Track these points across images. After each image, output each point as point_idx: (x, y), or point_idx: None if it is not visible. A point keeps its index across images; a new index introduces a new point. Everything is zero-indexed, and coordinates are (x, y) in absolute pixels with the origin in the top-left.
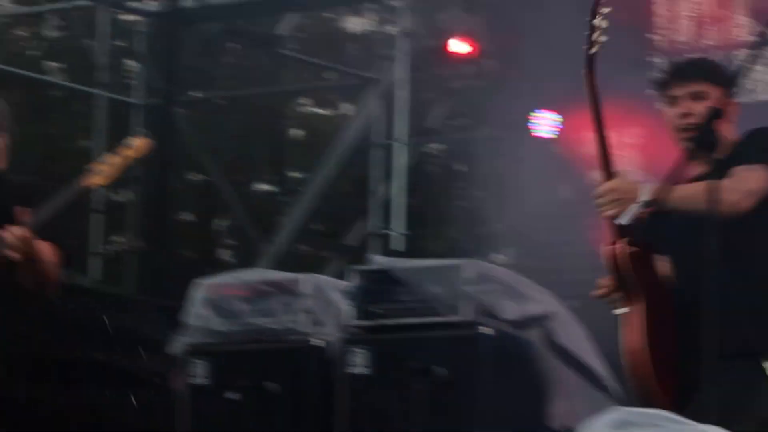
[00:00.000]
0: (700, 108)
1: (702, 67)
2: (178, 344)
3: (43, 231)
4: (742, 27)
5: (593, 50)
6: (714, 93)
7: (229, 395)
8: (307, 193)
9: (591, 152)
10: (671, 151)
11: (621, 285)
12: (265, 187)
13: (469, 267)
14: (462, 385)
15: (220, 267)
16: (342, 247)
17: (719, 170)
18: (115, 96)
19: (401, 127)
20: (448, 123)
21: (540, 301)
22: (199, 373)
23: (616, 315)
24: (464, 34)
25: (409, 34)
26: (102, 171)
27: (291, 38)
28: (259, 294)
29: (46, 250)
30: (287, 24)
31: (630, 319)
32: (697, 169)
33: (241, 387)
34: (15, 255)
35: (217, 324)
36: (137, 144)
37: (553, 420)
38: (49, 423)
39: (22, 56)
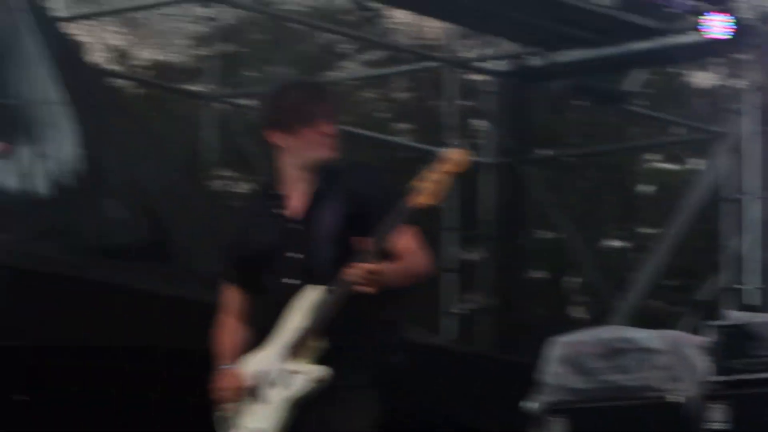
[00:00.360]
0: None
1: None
2: (535, 402)
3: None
4: None
5: None
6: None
7: None
8: (659, 249)
9: None
10: None
11: None
12: (615, 243)
13: None
14: None
15: (573, 324)
16: (695, 302)
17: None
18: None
19: (752, 180)
20: None
21: None
22: (557, 430)
23: None
24: None
25: (757, 87)
26: (426, 189)
27: (638, 94)
28: (614, 351)
29: (397, 271)
30: (634, 80)
31: None
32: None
33: None
34: (364, 290)
35: (574, 381)
36: (455, 156)
37: None
38: None
39: (370, 118)
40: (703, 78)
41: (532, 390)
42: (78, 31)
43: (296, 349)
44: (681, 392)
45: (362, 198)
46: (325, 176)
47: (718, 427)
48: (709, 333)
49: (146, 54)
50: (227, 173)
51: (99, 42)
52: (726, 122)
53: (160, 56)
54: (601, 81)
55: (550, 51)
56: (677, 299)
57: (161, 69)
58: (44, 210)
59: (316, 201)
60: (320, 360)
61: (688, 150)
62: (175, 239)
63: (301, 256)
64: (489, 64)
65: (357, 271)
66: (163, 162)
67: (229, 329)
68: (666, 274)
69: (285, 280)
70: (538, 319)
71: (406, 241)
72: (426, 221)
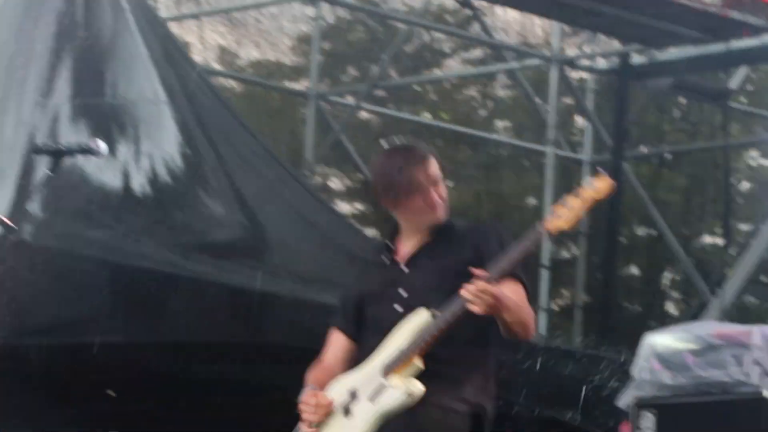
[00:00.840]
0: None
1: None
2: (628, 397)
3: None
4: None
5: None
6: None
7: None
8: (756, 245)
9: None
10: None
11: None
12: (712, 239)
13: None
14: None
15: (667, 320)
16: None
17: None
18: (564, 153)
19: None
20: None
21: None
22: (648, 426)
23: None
24: None
25: None
26: (563, 214)
27: (740, 91)
28: (708, 347)
29: (513, 296)
30: (736, 77)
31: None
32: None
33: None
34: (476, 309)
35: (667, 377)
36: (599, 185)
37: None
38: None
39: (471, 116)
40: None
41: (627, 385)
42: (181, 31)
43: (393, 368)
44: None
45: (475, 249)
46: (440, 230)
47: None
48: None
49: (249, 53)
50: (328, 170)
51: (202, 41)
52: None
53: (263, 55)
54: (702, 78)
55: (652, 48)
56: None
57: (263, 68)
58: (144, 208)
59: (427, 250)
60: (416, 378)
61: None
62: (271, 236)
63: (405, 294)
64: (592, 62)
65: (472, 287)
66: (265, 159)
67: (323, 367)
68: (762, 271)
69: (389, 308)
70: (632, 314)
71: (517, 294)
72: (527, 219)
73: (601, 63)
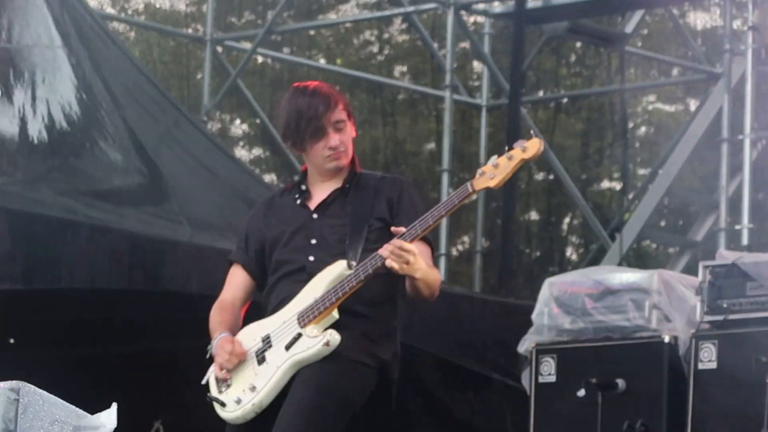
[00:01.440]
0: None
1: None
2: (528, 343)
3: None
4: None
5: None
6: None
7: (578, 393)
8: (653, 190)
9: None
10: None
11: None
12: (611, 184)
13: None
14: None
15: (567, 265)
16: (689, 242)
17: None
18: (461, 98)
19: (749, 121)
20: None
21: None
22: (549, 371)
23: None
24: None
25: (754, 27)
26: (491, 173)
27: (635, 35)
28: (607, 291)
29: (423, 254)
30: (631, 21)
31: None
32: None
33: (590, 384)
34: (395, 266)
35: (566, 322)
36: (529, 146)
37: None
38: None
39: (368, 61)
40: (701, 18)
41: (526, 331)
42: None
43: (309, 317)
44: (673, 332)
45: (388, 202)
46: (352, 179)
47: (708, 367)
48: (701, 273)
49: None
50: (225, 116)
51: None
52: (724, 63)
53: (156, 0)
54: (597, 22)
55: None
56: (672, 240)
57: (157, 13)
58: (41, 154)
59: (338, 199)
60: (330, 329)
61: (685, 91)
62: (169, 183)
63: (314, 242)
64: (487, 6)
65: (390, 246)
66: (162, 105)
67: (228, 308)
68: (660, 215)
69: (298, 256)
70: (532, 260)
71: (425, 256)
72: (423, 164)
73: (497, 7)
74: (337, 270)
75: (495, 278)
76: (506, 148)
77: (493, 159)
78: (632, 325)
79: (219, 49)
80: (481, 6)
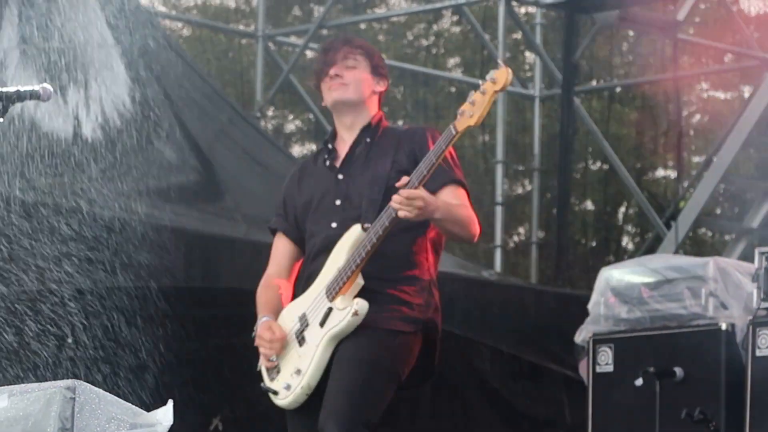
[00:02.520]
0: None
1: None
2: (585, 333)
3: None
4: None
5: None
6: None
7: (635, 382)
8: (708, 177)
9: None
10: None
11: None
12: (666, 173)
13: None
14: None
15: (623, 255)
16: (745, 229)
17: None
18: (513, 89)
19: None
20: None
21: None
22: (606, 360)
23: None
24: None
25: None
26: (471, 112)
27: (688, 22)
28: (664, 280)
29: (454, 199)
30: (684, 8)
31: None
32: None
33: (648, 373)
34: (405, 215)
35: (623, 311)
36: (497, 76)
37: None
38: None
39: (419, 53)
40: (754, 5)
41: (583, 321)
42: None
43: (336, 289)
44: (730, 319)
45: (410, 154)
46: (372, 132)
47: (766, 353)
48: (758, 260)
49: None
50: (277, 112)
51: None
52: None
53: None
54: (650, 10)
55: None
56: (728, 227)
57: (208, 10)
58: (96, 153)
59: (360, 154)
60: (359, 296)
61: (739, 78)
62: (224, 180)
63: (339, 203)
64: None
65: (397, 197)
66: (215, 102)
67: (272, 285)
68: (716, 203)
69: (326, 223)
70: (588, 250)
71: (458, 198)
72: (478, 156)
73: None
74: (354, 235)
75: (551, 269)
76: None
77: (470, 96)
78: (689, 313)
79: (270, 45)
80: None
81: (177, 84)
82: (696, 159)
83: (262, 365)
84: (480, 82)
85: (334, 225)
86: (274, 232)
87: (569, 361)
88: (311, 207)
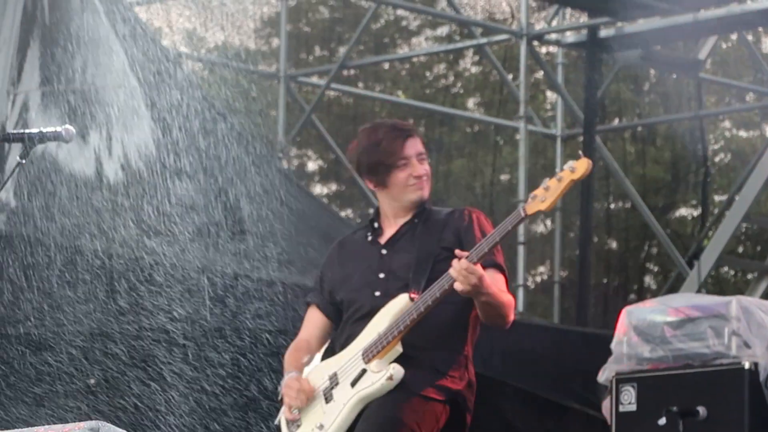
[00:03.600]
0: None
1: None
2: (608, 372)
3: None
4: None
5: None
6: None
7: (659, 421)
8: (731, 216)
9: None
10: None
11: None
12: (689, 211)
13: None
14: None
15: (645, 294)
16: (767, 268)
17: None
18: (536, 128)
19: None
20: None
21: None
22: (629, 400)
23: None
24: None
25: None
26: (542, 197)
27: (709, 61)
28: (686, 319)
29: (496, 281)
30: (705, 47)
31: None
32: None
33: (671, 413)
34: (460, 287)
35: (646, 350)
36: (577, 166)
37: None
38: None
39: (441, 93)
40: None
41: (606, 360)
42: (149, 15)
43: (373, 352)
44: (753, 358)
45: (456, 233)
46: (421, 214)
47: None
48: None
49: (214, 36)
50: (299, 152)
51: (169, 25)
52: None
53: (229, 38)
54: (672, 49)
55: (620, 20)
56: (751, 266)
57: (229, 51)
58: (117, 194)
59: (408, 233)
60: (395, 362)
61: (761, 116)
62: (247, 220)
63: (383, 276)
64: (560, 36)
65: (457, 266)
66: (237, 142)
67: (302, 348)
68: (739, 241)
69: (368, 293)
70: (610, 289)
71: (497, 282)
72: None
73: (570, 36)
74: (400, 303)
75: (573, 308)
76: (556, 170)
77: (545, 182)
78: (712, 352)
79: (292, 85)
80: (553, 36)
81: (198, 124)
82: (718, 197)
83: (282, 417)
84: (557, 170)
85: (377, 294)
86: (308, 305)
87: (592, 400)
88: (352, 279)
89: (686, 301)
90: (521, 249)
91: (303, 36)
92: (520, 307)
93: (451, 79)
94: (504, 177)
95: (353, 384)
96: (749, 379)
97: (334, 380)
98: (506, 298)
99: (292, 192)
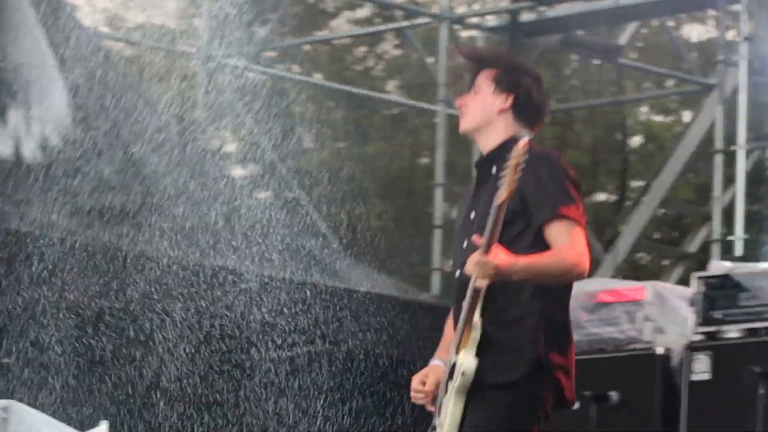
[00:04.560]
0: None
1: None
2: None
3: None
4: None
5: None
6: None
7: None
8: (648, 202)
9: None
10: None
11: None
12: (606, 196)
13: None
14: None
15: None
16: (683, 254)
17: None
18: (455, 112)
19: (743, 132)
20: None
21: None
22: None
23: None
24: None
25: (749, 38)
26: (510, 181)
27: (630, 47)
28: (601, 304)
29: (559, 239)
30: (626, 33)
31: None
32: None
33: (584, 397)
34: (481, 283)
35: None
36: (516, 151)
37: None
38: None
39: (362, 76)
40: (695, 30)
41: None
42: None
43: (459, 342)
44: (666, 343)
45: (520, 185)
46: (495, 156)
47: (699, 378)
48: (695, 284)
49: (135, 16)
50: (220, 133)
51: (90, 4)
52: (718, 74)
53: (149, 17)
54: (593, 35)
55: (542, 5)
56: (666, 251)
57: (150, 31)
58: (36, 174)
59: (487, 185)
60: (477, 351)
61: (680, 103)
62: (154, 197)
63: (465, 244)
64: (481, 20)
65: (469, 263)
66: (158, 123)
67: (449, 323)
68: (655, 227)
69: (458, 266)
70: None
71: (558, 238)
72: (418, 179)
73: (491, 21)
74: (470, 285)
75: None
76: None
77: (507, 168)
78: (625, 337)
79: (212, 66)
80: (474, 20)
81: (118, 104)
82: (635, 183)
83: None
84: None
85: (457, 274)
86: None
87: None
88: (456, 242)
89: (601, 285)
90: (437, 233)
91: (223, 17)
92: (436, 291)
93: (372, 62)
94: (423, 161)
95: (450, 376)
96: (661, 364)
97: (450, 370)
98: (552, 261)
99: (210, 169)
